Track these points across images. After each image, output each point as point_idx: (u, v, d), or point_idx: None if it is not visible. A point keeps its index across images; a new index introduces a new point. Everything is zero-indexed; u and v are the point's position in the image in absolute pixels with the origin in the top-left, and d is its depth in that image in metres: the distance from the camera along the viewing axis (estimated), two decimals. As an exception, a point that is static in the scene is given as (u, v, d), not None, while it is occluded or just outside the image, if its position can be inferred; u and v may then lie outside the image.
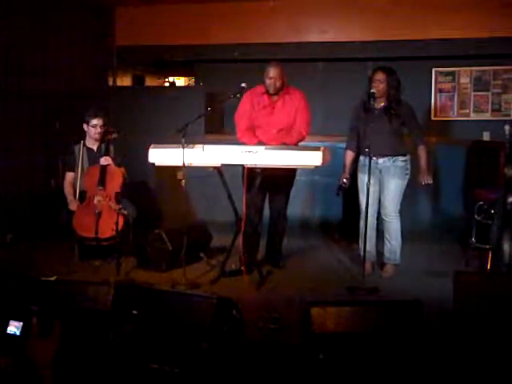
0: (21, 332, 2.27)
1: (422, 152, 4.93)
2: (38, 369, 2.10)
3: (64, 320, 3.17)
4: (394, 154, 4.92)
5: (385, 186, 4.98)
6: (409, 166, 4.98)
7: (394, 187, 4.94)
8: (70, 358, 3.07)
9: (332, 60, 7.60)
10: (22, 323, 2.28)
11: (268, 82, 4.98)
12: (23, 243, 5.88)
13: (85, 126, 5.56)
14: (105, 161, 5.43)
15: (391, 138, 4.89)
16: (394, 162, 4.93)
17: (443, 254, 5.70)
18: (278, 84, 4.98)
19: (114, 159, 5.50)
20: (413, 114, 4.98)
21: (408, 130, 4.96)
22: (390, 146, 4.90)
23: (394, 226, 5.02)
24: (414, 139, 4.97)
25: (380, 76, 4.87)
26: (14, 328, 2.28)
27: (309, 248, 6.11)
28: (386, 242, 5.07)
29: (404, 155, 4.94)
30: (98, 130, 5.53)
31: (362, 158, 5.03)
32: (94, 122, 5.52)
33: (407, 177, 4.98)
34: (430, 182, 4.92)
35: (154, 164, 4.84)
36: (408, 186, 5.00)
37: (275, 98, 5.09)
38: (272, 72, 4.96)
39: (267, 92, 5.06)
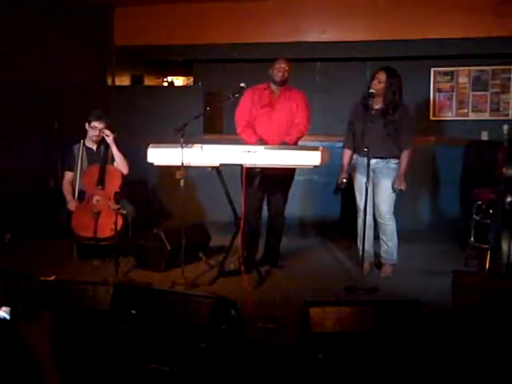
0: (10, 315, 2.29)
1: (404, 156, 4.87)
2: (36, 355, 2.11)
3: (61, 318, 3.17)
4: (388, 155, 4.90)
5: (378, 188, 4.96)
6: None
7: (387, 188, 4.91)
8: (70, 358, 3.07)
9: (331, 60, 7.61)
10: (9, 308, 2.30)
11: (277, 71, 5.03)
12: (22, 243, 5.88)
13: (86, 124, 5.55)
14: (107, 132, 5.46)
15: (385, 140, 4.84)
16: (387, 163, 4.91)
17: (442, 253, 5.71)
18: (286, 75, 5.06)
19: (112, 160, 5.51)
20: (408, 118, 4.94)
21: (399, 132, 4.89)
22: (384, 148, 4.85)
23: (389, 227, 5.00)
24: (401, 142, 4.92)
25: (381, 76, 4.84)
26: (3, 312, 2.31)
27: (307, 248, 6.11)
28: (383, 243, 5.06)
29: (397, 158, 4.90)
30: (97, 132, 5.51)
31: (355, 156, 5.03)
32: (95, 124, 5.50)
33: None
34: (403, 188, 4.87)
35: (152, 164, 4.84)
36: (406, 186, 4.99)
37: (277, 94, 5.12)
38: (284, 62, 5.06)
39: (270, 87, 5.11)
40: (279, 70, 5.04)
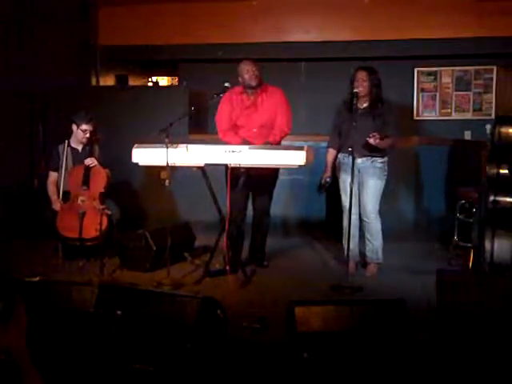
0: None
1: (389, 138, 4.84)
2: (13, 356, 2.09)
3: (47, 320, 3.16)
4: (373, 154, 4.93)
5: (364, 187, 4.99)
6: (386, 167, 4.99)
7: (372, 187, 4.95)
8: (55, 359, 3.06)
9: (315, 60, 7.63)
10: None
11: (247, 76, 4.99)
12: (6, 243, 5.83)
13: (74, 127, 5.49)
14: (90, 162, 5.40)
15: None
16: (372, 162, 4.94)
17: (426, 252, 5.75)
18: (257, 73, 5.01)
19: (98, 160, 5.47)
20: (392, 112, 4.98)
21: (385, 126, 4.92)
22: (370, 147, 4.89)
23: (374, 226, 5.03)
24: (387, 133, 4.94)
25: (363, 75, 4.88)
26: None
27: (292, 247, 6.12)
28: (368, 242, 5.09)
29: (382, 157, 4.95)
30: (87, 135, 5.47)
31: (340, 156, 5.05)
32: (85, 127, 5.45)
33: (385, 178, 4.99)
34: (377, 140, 4.71)
35: (137, 164, 4.83)
36: (390, 185, 5.03)
37: (254, 95, 5.10)
38: (247, 64, 5.01)
39: (246, 90, 5.09)
40: (248, 74, 4.98)
